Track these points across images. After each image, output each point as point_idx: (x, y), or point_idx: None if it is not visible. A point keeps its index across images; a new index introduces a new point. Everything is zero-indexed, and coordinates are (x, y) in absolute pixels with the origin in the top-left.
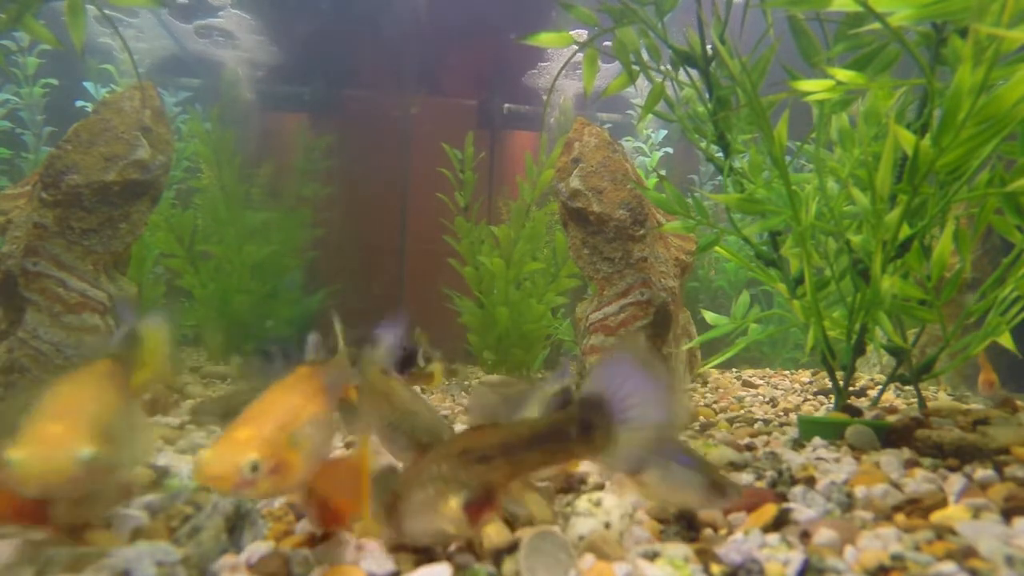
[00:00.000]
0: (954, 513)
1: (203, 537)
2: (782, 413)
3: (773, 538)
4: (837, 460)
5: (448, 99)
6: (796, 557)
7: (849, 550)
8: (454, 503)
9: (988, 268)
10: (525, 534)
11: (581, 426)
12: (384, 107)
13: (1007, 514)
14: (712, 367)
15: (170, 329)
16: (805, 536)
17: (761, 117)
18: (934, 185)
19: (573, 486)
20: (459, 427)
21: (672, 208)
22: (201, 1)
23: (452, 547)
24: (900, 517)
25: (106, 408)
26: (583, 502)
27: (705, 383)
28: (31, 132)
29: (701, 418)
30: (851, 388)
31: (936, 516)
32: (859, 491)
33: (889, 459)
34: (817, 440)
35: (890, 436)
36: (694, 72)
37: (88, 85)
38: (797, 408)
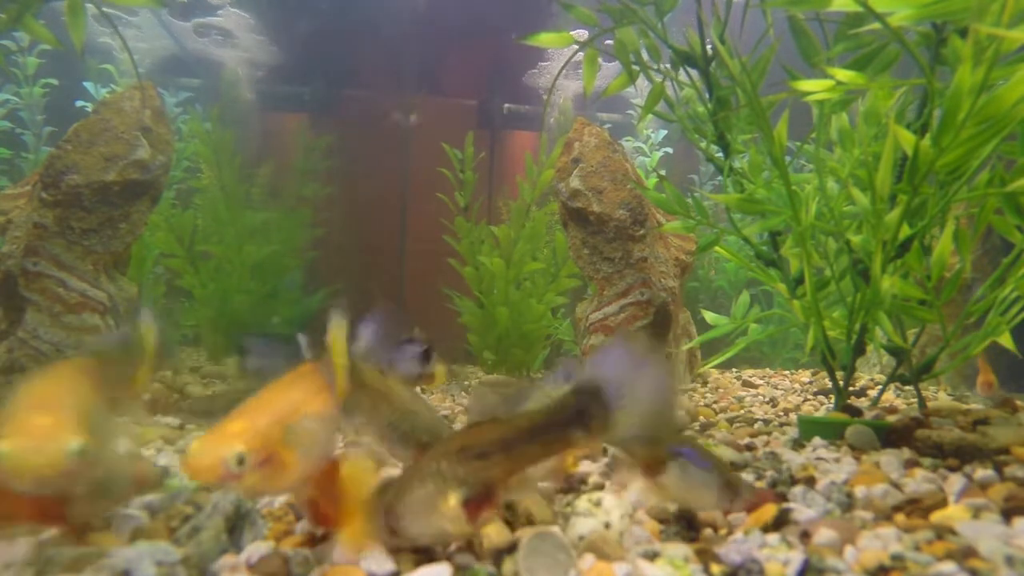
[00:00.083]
0: (954, 513)
1: (203, 537)
2: (782, 413)
3: (773, 538)
4: (837, 460)
5: (448, 99)
6: (796, 557)
7: (849, 550)
8: (453, 501)
9: (988, 268)
10: (525, 534)
11: (578, 414)
12: (384, 107)
13: (1007, 514)
14: (712, 367)
15: (161, 328)
16: (805, 536)
17: (761, 117)
18: (934, 185)
19: (573, 486)
20: (459, 427)
21: (672, 208)
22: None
23: (452, 547)
24: (900, 517)
25: (81, 403)
26: (583, 502)
27: (705, 383)
28: (31, 132)
29: (701, 418)
30: (851, 388)
31: (936, 516)
32: (859, 491)
33: (889, 459)
34: (817, 440)
35: (890, 436)
36: (694, 72)
37: (88, 85)
38: (797, 408)
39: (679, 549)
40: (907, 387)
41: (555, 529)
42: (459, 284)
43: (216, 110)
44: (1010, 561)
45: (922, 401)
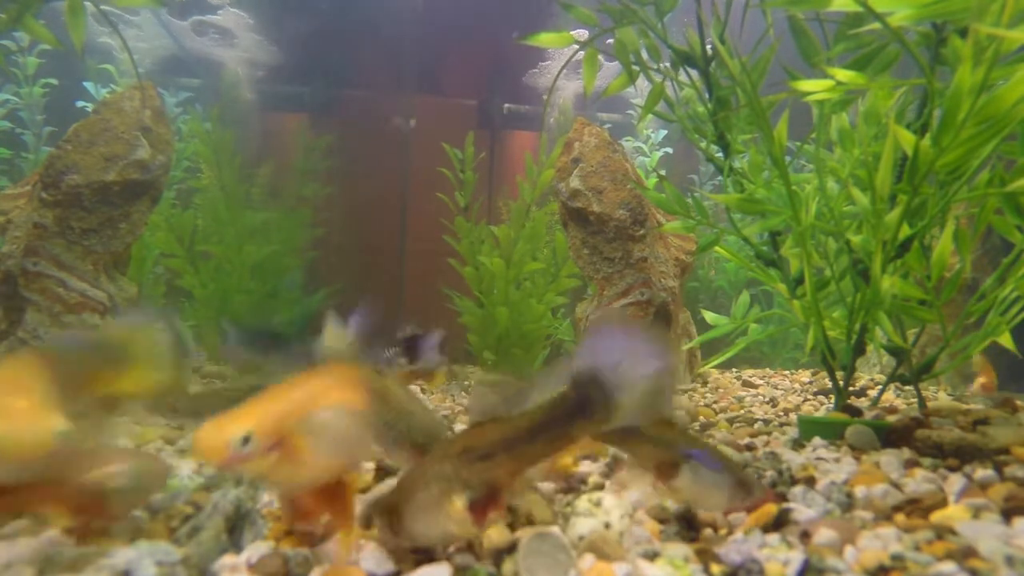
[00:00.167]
0: (954, 513)
1: (203, 537)
2: (782, 413)
3: (773, 538)
4: (837, 460)
5: (448, 99)
6: (796, 557)
7: (849, 550)
8: (458, 503)
9: (988, 268)
10: (525, 534)
11: (579, 405)
12: (384, 107)
13: (1007, 514)
14: (712, 367)
15: (174, 333)
16: (805, 536)
17: (761, 117)
18: (934, 185)
19: (573, 486)
20: (459, 427)
21: (672, 208)
22: None
23: (452, 547)
24: (900, 517)
25: (44, 391)
26: (583, 502)
27: (705, 383)
28: (31, 132)
29: (701, 418)
30: (851, 388)
31: (936, 516)
32: (859, 491)
33: (889, 459)
34: (817, 440)
35: (890, 436)
36: (694, 72)
37: (88, 85)
38: (797, 408)
39: (679, 549)
40: (907, 387)
41: (555, 529)
42: (459, 284)
43: (216, 110)
44: (1010, 561)
45: (922, 401)
